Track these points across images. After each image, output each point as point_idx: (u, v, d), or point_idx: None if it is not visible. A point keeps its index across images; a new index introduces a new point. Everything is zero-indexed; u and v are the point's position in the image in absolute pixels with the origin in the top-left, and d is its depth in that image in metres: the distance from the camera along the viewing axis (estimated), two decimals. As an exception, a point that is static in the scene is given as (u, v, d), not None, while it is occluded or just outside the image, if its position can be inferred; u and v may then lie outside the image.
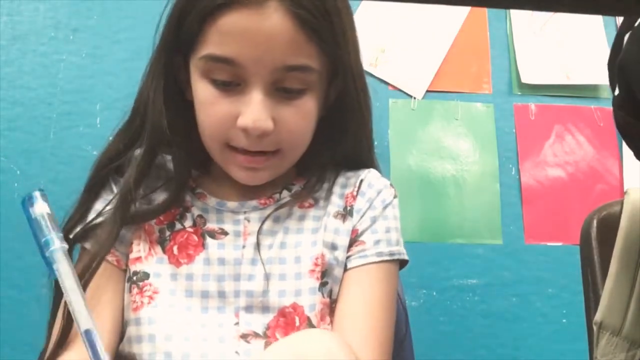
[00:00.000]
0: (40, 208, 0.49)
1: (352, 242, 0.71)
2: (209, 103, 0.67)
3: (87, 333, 0.45)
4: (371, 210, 0.72)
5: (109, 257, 0.69)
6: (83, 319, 0.46)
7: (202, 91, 0.67)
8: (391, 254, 0.70)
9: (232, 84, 0.65)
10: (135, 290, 0.67)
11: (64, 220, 0.70)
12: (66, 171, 1.15)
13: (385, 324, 0.68)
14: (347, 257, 0.70)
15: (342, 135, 0.75)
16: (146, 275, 0.67)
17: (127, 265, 0.70)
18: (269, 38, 0.62)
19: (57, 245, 0.47)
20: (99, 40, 1.22)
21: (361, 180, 0.75)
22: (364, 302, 0.67)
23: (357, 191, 0.73)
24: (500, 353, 1.17)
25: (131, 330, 0.65)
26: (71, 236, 0.69)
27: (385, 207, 0.72)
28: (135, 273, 0.68)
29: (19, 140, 1.14)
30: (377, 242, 0.70)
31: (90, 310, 0.48)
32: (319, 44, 0.65)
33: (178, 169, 0.71)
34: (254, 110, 0.64)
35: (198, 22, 0.64)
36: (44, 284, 0.75)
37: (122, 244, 0.72)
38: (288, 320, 0.65)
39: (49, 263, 0.47)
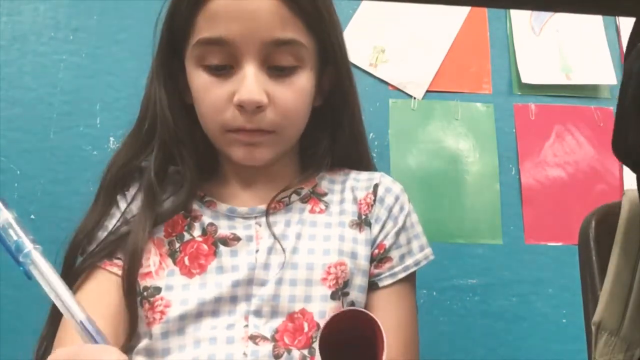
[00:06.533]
0: (4, 215, 0.46)
1: (381, 258, 0.72)
2: (204, 90, 0.68)
3: (82, 324, 0.44)
4: (392, 222, 0.73)
5: (111, 268, 0.68)
6: (76, 313, 0.44)
7: (197, 79, 0.69)
8: (416, 263, 0.73)
9: (225, 67, 0.67)
10: (146, 305, 0.66)
11: (75, 230, 0.71)
12: (66, 171, 1.15)
13: (415, 336, 0.73)
14: (378, 275, 0.72)
15: (337, 128, 0.77)
16: (157, 290, 0.66)
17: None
18: (255, 14, 0.64)
19: (30, 246, 0.44)
20: (99, 40, 1.22)
21: (376, 185, 0.75)
22: (397, 322, 0.71)
23: (374, 199, 0.74)
24: (500, 353, 1.17)
25: (146, 343, 0.65)
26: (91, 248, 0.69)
27: (405, 217, 0.74)
28: (146, 288, 0.67)
29: (19, 140, 1.14)
30: (402, 256, 0.73)
31: (79, 303, 0.45)
32: (305, 18, 0.67)
33: (188, 169, 0.72)
34: (247, 84, 0.65)
35: (188, 14, 0.67)
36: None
37: None
38: (296, 325, 0.65)
39: (22, 265, 0.44)
